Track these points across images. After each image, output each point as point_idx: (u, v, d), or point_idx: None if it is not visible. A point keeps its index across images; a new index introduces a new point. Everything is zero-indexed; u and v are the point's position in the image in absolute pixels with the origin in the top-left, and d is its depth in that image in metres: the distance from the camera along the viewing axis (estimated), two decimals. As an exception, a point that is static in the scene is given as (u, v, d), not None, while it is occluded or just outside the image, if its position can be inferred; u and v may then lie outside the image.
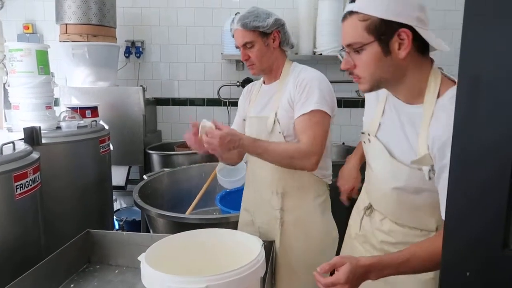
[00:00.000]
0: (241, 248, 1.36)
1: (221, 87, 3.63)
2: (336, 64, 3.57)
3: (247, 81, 3.59)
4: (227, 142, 1.43)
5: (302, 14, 3.39)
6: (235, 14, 1.71)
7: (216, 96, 3.65)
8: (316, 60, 3.53)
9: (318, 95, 1.54)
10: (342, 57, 1.15)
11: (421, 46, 1.08)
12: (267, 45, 1.63)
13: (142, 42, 3.63)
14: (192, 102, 3.74)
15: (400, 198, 1.20)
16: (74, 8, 3.06)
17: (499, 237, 0.66)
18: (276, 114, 1.62)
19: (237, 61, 3.60)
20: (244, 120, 1.83)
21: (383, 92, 1.24)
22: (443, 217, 1.00)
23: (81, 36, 3.10)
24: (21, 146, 1.76)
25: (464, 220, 0.70)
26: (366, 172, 1.39)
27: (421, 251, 1.05)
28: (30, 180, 1.65)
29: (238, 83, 3.59)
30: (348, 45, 1.10)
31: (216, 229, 1.48)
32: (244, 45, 1.63)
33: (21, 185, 1.59)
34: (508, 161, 0.63)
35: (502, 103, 0.63)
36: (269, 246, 1.56)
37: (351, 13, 1.08)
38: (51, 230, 1.89)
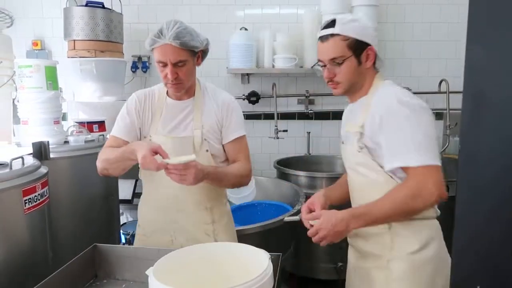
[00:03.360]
0: (249, 262, 1.36)
1: (226, 100, 3.65)
2: (340, 76, 3.59)
3: (252, 94, 3.62)
4: (200, 175, 1.50)
5: (306, 28, 3.42)
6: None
7: (221, 110, 3.67)
8: (320, 72, 3.55)
9: (242, 120, 1.74)
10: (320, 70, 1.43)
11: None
12: (194, 64, 1.64)
13: (149, 57, 3.68)
14: (197, 115, 3.76)
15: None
16: (82, 24, 3.12)
17: (508, 249, 0.66)
18: (202, 134, 1.67)
19: (242, 75, 3.63)
20: (142, 134, 1.78)
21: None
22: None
23: (89, 52, 3.15)
24: (30, 160, 1.78)
25: (473, 233, 0.70)
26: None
27: (382, 198, 1.36)
28: (39, 194, 1.66)
29: (243, 97, 3.61)
30: (332, 59, 1.44)
31: (224, 242, 1.48)
32: (176, 63, 1.56)
33: (29, 200, 1.61)
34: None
35: (504, 117, 0.63)
36: (276, 259, 1.55)
37: (332, 35, 1.43)
38: (58, 244, 1.90)
